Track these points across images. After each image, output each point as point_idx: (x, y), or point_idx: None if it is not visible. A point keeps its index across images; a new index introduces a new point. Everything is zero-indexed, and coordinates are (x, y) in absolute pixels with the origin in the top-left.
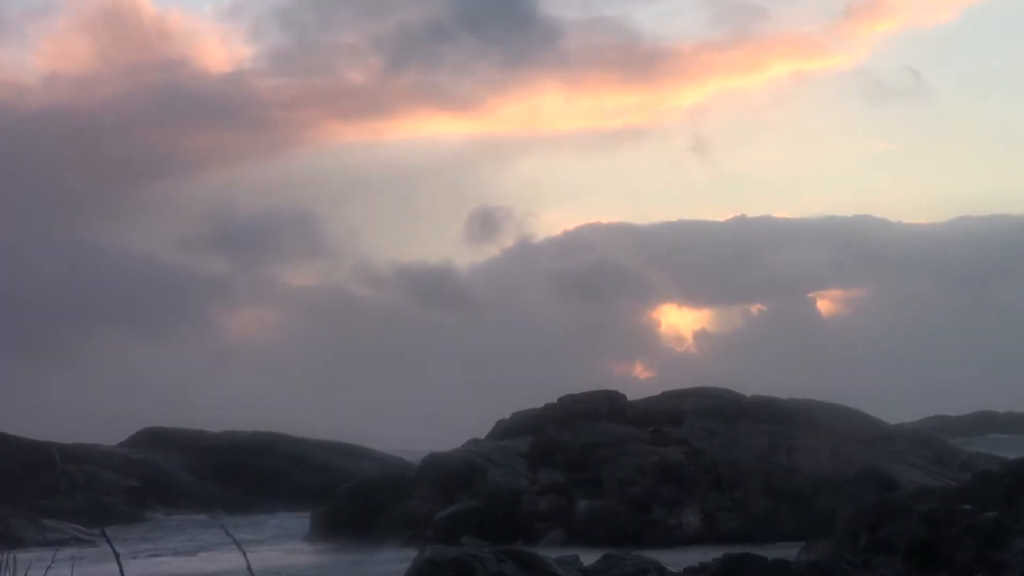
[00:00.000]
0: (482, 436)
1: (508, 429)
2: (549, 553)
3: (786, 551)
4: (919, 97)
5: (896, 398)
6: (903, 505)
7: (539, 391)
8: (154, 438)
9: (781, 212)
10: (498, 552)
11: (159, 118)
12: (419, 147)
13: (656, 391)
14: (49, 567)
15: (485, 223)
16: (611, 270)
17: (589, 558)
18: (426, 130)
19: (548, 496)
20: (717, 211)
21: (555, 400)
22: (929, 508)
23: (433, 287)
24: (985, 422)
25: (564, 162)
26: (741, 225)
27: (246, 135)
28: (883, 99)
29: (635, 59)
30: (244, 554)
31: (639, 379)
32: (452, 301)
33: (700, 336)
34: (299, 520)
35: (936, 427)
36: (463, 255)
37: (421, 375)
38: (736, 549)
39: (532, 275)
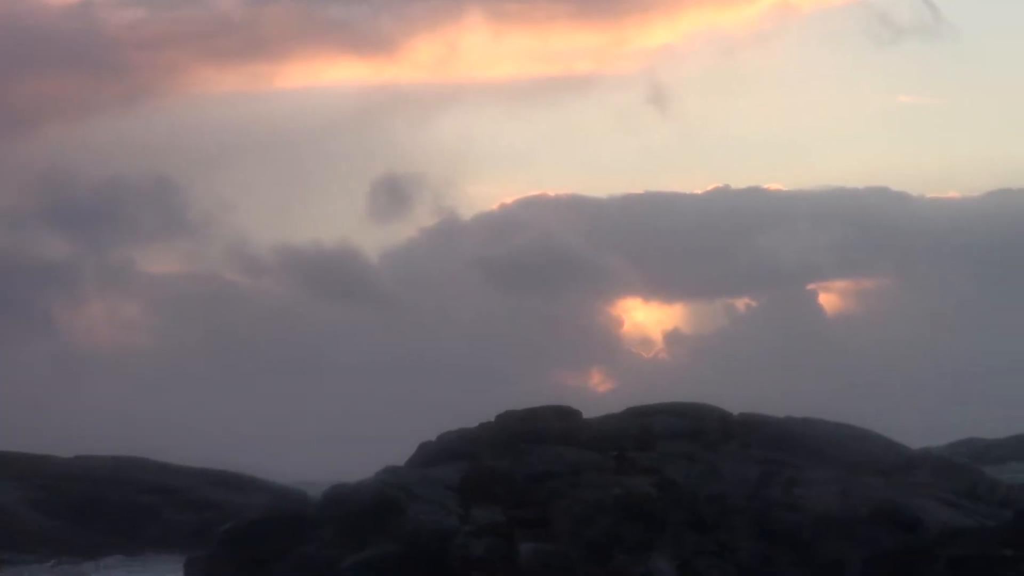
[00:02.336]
0: (401, 463)
1: (434, 454)
2: None
3: None
4: (939, 38)
5: (920, 417)
6: (928, 550)
7: (472, 407)
8: None
9: (773, 183)
10: None
11: None
12: (311, 98)
13: (619, 407)
14: None
15: (393, 194)
16: (560, 255)
17: None
18: (320, 77)
19: (484, 538)
20: (693, 181)
21: (492, 418)
22: (960, 554)
23: (331, 276)
24: None
25: (498, 119)
26: (723, 198)
27: (93, 82)
28: (895, 40)
29: None
30: None
31: (597, 392)
32: (357, 293)
33: (673, 338)
34: (170, 568)
35: (970, 453)
36: (371, 236)
37: (322, 387)
38: None
39: (460, 261)
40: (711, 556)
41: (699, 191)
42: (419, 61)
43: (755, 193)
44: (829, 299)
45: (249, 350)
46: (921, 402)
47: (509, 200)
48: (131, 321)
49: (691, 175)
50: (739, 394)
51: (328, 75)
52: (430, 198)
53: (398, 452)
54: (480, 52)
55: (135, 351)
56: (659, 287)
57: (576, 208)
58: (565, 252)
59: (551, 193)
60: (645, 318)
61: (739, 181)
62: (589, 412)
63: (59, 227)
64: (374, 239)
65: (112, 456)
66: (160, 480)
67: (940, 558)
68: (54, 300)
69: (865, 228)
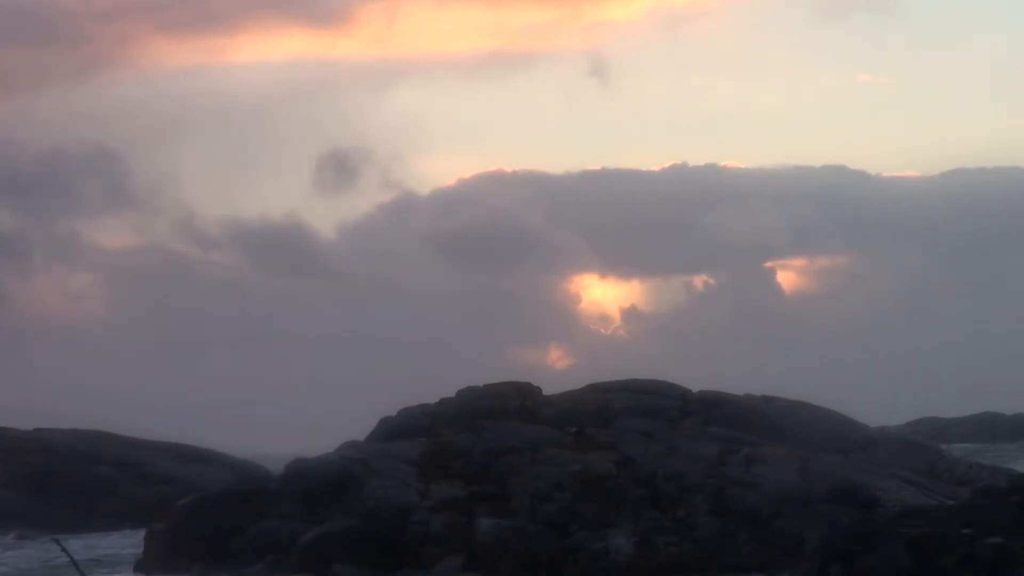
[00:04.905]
0: (361, 438)
1: (394, 430)
2: None
3: None
4: (888, 14)
5: (878, 396)
6: (886, 529)
7: (432, 383)
8: None
9: (731, 160)
10: None
11: None
12: (261, 72)
13: (578, 383)
14: None
15: (341, 169)
16: (517, 231)
17: None
18: (270, 50)
19: (443, 514)
20: (650, 158)
21: (452, 394)
22: (918, 532)
23: (283, 250)
24: (988, 427)
25: (452, 94)
26: (680, 176)
27: (45, 53)
28: (844, 15)
29: None
30: None
31: (556, 368)
32: (313, 268)
33: (630, 315)
34: (129, 542)
35: (928, 432)
36: (327, 210)
37: (280, 361)
38: None
39: (417, 237)
40: (669, 533)
41: (656, 168)
42: (370, 35)
43: (712, 171)
44: (787, 277)
45: (204, 323)
46: (880, 381)
47: (466, 176)
48: (79, 293)
49: (648, 152)
50: (698, 372)
51: (279, 48)
52: (379, 173)
53: (359, 427)
54: (432, 26)
55: (85, 323)
56: (616, 264)
57: (533, 184)
58: (522, 228)
59: (508, 169)
60: (602, 295)
61: (696, 158)
62: (548, 389)
63: (5, 198)
64: (331, 214)
65: (70, 429)
66: (118, 453)
67: (898, 537)
68: (2, 271)
69: (823, 206)
